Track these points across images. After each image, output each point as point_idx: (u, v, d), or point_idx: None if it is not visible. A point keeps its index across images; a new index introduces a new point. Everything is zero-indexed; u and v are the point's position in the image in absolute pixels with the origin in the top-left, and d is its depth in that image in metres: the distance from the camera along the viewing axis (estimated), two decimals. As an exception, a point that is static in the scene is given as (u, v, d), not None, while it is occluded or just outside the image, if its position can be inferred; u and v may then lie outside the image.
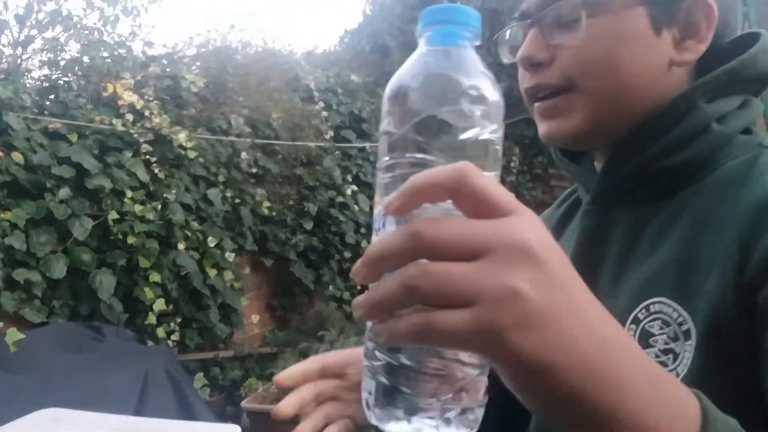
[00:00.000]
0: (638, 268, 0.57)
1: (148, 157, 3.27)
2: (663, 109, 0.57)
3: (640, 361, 0.34)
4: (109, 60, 3.38)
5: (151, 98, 3.39)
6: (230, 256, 3.65)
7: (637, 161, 0.59)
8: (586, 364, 0.31)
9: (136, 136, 3.23)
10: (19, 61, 3.25)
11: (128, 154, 3.20)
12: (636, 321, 0.54)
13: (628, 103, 0.58)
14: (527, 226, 0.32)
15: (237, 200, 3.85)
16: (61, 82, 3.29)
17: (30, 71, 3.32)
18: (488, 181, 0.32)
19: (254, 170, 4.07)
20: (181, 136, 3.37)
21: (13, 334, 2.45)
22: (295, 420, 0.64)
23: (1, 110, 2.71)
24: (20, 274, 2.63)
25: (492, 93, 0.40)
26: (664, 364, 0.51)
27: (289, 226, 4.33)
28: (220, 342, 3.72)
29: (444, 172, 0.32)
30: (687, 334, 0.50)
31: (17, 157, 2.72)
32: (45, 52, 3.33)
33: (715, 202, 0.54)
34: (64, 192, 2.86)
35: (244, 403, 3.31)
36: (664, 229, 0.57)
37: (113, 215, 3.03)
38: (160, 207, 3.28)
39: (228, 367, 3.67)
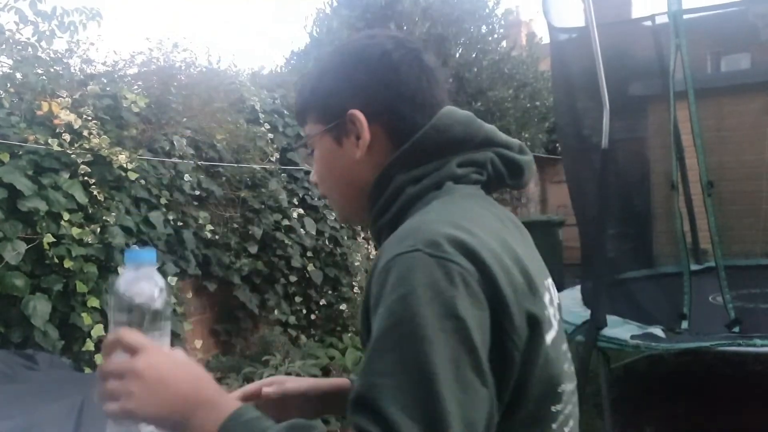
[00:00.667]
0: None
1: (86, 178, 3.18)
2: (372, 187, 0.80)
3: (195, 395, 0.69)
4: (44, 77, 3.29)
5: (90, 118, 3.31)
6: (172, 280, 3.58)
7: (372, 224, 0.83)
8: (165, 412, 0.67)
9: (73, 156, 3.14)
10: (-53, 78, 3.12)
11: (65, 175, 3.11)
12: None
13: (351, 193, 0.84)
14: (142, 358, 0.67)
15: (179, 223, 3.79)
16: (-7, 99, 3.17)
17: (-42, 87, 3.19)
18: (131, 335, 0.68)
19: (197, 192, 4.02)
20: (122, 158, 3.30)
21: (-62, 365, 2.32)
22: None
23: (-72, 129, 2.60)
24: (-54, 301, 2.51)
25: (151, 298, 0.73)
26: None
27: (233, 249, 4.28)
28: (161, 368, 3.62)
29: (112, 335, 0.69)
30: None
31: (-55, 177, 2.61)
32: (-25, 68, 3.21)
33: None
34: (-4, 214, 2.76)
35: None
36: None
37: (49, 238, 2.92)
38: (99, 230, 3.19)
39: (169, 394, 3.56)
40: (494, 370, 0.60)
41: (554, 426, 0.68)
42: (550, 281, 0.80)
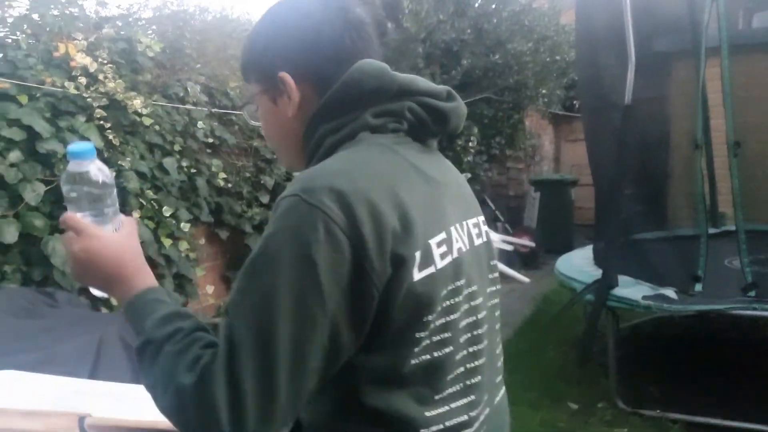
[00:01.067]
0: None
1: (102, 122, 3.18)
2: (302, 138, 0.87)
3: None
4: (60, 18, 3.25)
5: (105, 61, 3.29)
6: (185, 226, 3.62)
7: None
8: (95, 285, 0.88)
9: (89, 100, 3.14)
10: (-37, 16, 3.09)
11: (81, 118, 3.11)
12: None
13: (290, 145, 0.91)
14: (77, 242, 0.83)
15: (193, 170, 3.80)
16: (9, 40, 3.15)
17: (-25, 28, 3.16)
18: (74, 220, 0.83)
19: (210, 140, 4.01)
20: (137, 102, 3.29)
21: (-37, 299, 2.39)
22: None
23: (-55, 67, 2.59)
24: (-32, 239, 2.56)
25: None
26: None
27: (245, 198, 4.30)
28: (175, 311, 3.71)
29: (63, 216, 0.85)
30: None
31: (-37, 117, 2.62)
32: (-9, 7, 3.17)
33: None
34: (15, 155, 2.78)
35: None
36: None
37: (66, 180, 2.95)
38: (114, 174, 3.21)
39: (183, 336, 3.66)
40: (353, 302, 0.69)
41: (416, 350, 0.74)
42: (469, 221, 0.88)
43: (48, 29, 3.18)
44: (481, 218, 0.95)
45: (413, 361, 0.74)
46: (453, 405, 0.78)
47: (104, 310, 3.12)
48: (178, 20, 4.14)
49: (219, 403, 0.65)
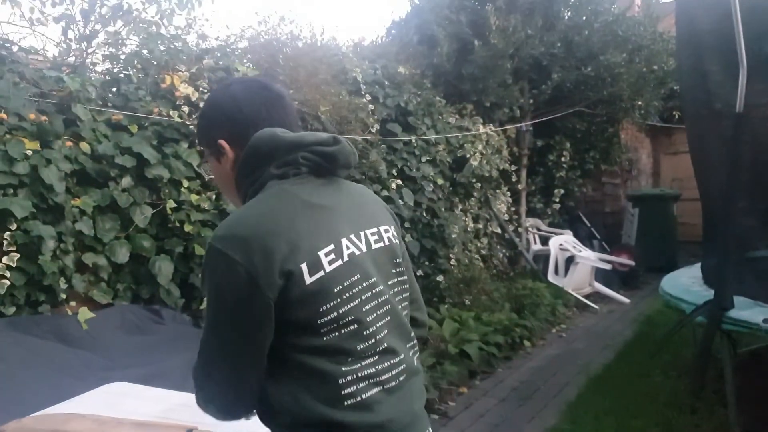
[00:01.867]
0: None
1: (202, 148, 3.36)
2: (238, 190, 1.17)
3: None
4: (165, 53, 3.49)
5: (205, 90, 3.49)
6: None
7: None
8: None
9: (191, 127, 3.33)
10: (84, 55, 3.39)
11: (184, 144, 3.31)
12: None
13: (231, 192, 1.19)
14: None
15: (288, 191, 3.91)
16: (122, 75, 3.41)
17: (94, 65, 3.46)
18: None
19: (304, 162, 4.12)
20: (235, 128, 3.45)
21: (84, 313, 2.58)
22: None
23: (70, 102, 2.84)
24: (89, 258, 2.77)
25: None
26: None
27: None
28: (271, 329, 3.80)
29: None
30: None
31: (85, 147, 2.85)
32: (107, 46, 3.46)
33: None
34: (126, 181, 2.99)
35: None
36: None
37: (171, 204, 3.14)
38: (214, 197, 3.37)
39: (278, 354, 3.74)
40: (254, 308, 0.99)
41: (323, 330, 1.02)
42: (367, 231, 1.14)
43: (156, 63, 3.41)
44: (384, 227, 1.19)
45: (325, 338, 1.03)
46: (363, 363, 1.06)
47: (205, 327, 3.25)
48: (272, 48, 4.33)
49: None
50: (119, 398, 1.84)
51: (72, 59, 3.34)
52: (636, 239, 8.13)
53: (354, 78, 4.96)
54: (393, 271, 1.17)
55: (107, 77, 3.38)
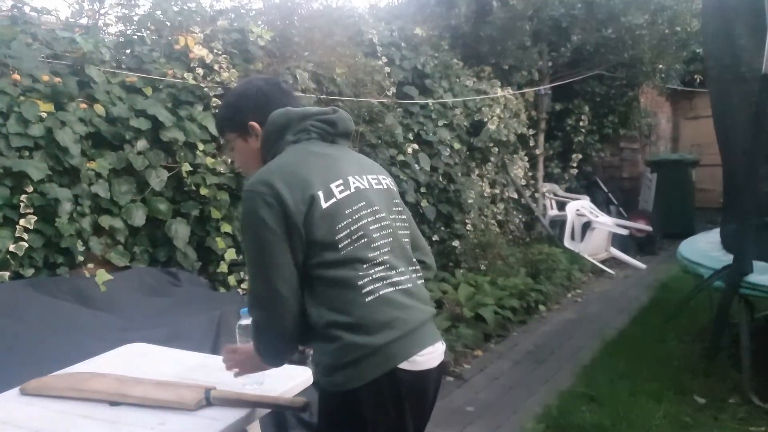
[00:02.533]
0: None
1: (217, 110, 3.33)
2: (264, 163, 1.41)
3: None
4: (179, 14, 3.43)
5: (220, 52, 3.44)
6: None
7: None
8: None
9: (206, 89, 3.30)
10: (97, 16, 3.34)
11: (199, 107, 3.28)
12: None
13: (256, 167, 1.40)
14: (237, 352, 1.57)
15: (303, 154, 3.89)
16: (136, 36, 3.37)
17: (107, 26, 3.42)
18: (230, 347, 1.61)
19: (319, 126, 4.08)
20: (249, 90, 3.41)
21: (102, 275, 2.61)
22: None
23: (83, 63, 2.82)
24: (105, 221, 2.78)
25: None
26: None
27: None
28: (286, 292, 3.83)
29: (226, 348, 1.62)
30: None
31: (99, 109, 2.84)
32: (120, 7, 3.41)
33: None
34: (142, 144, 2.98)
35: (308, 349, 3.43)
36: None
37: (186, 167, 3.13)
38: (230, 160, 3.36)
39: (294, 317, 3.78)
40: (290, 230, 1.25)
41: (340, 246, 1.28)
42: (368, 176, 1.42)
43: (169, 24, 3.37)
44: (382, 176, 1.46)
45: (342, 252, 1.28)
46: (375, 269, 1.30)
47: (222, 290, 3.29)
48: (287, 9, 4.24)
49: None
50: (138, 359, 1.87)
51: (85, 20, 3.29)
52: (653, 205, 8.02)
53: (370, 40, 4.87)
54: (393, 208, 1.43)
55: (121, 39, 3.34)
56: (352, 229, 1.29)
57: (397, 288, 1.31)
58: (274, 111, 1.41)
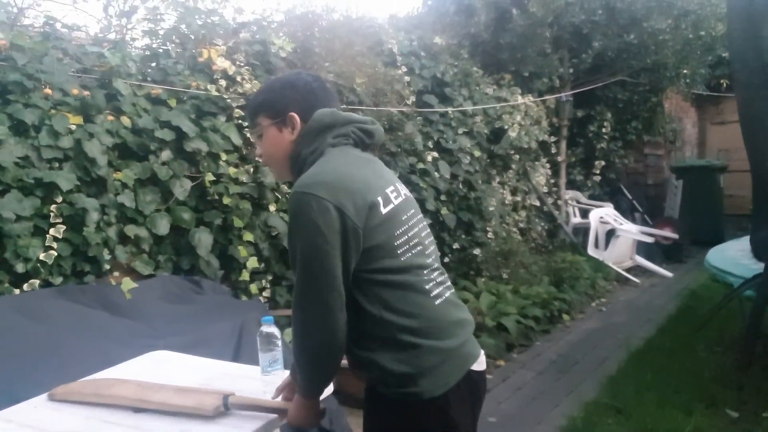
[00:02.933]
0: None
1: (240, 121, 3.38)
2: (293, 155, 1.40)
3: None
4: (203, 28, 3.49)
5: (242, 64, 3.49)
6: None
7: (294, 176, 1.40)
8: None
9: (229, 101, 3.35)
10: (124, 31, 3.43)
11: (222, 118, 3.33)
12: None
13: (284, 161, 1.42)
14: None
15: (325, 164, 3.92)
16: (161, 50, 3.44)
17: (134, 40, 3.49)
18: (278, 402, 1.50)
19: (340, 135, 4.11)
20: (271, 101, 3.45)
21: (128, 283, 2.65)
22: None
23: (111, 77, 2.88)
24: (131, 230, 2.83)
25: None
26: None
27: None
28: (308, 300, 3.85)
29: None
30: None
31: (125, 121, 2.90)
32: (146, 21, 3.49)
33: None
34: (166, 154, 3.03)
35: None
36: None
37: (209, 177, 3.18)
38: (252, 170, 3.40)
39: (315, 325, 3.79)
40: (351, 236, 1.22)
41: (399, 252, 1.28)
42: (395, 185, 1.39)
43: (193, 37, 3.43)
44: (400, 187, 1.43)
45: (402, 258, 1.28)
46: (434, 274, 1.34)
47: (244, 298, 3.31)
48: (308, 21, 4.29)
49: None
50: (162, 366, 1.89)
51: (112, 35, 3.38)
52: (680, 212, 7.89)
53: (390, 49, 4.89)
54: (419, 215, 1.46)
55: (146, 52, 3.41)
56: (409, 235, 1.31)
57: (451, 291, 1.38)
58: (321, 109, 1.39)
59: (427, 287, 1.29)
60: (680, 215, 7.82)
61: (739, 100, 4.02)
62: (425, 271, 1.31)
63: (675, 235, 7.16)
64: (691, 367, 3.62)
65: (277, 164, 1.44)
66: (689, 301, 5.29)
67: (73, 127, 2.66)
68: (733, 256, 3.80)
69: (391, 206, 1.29)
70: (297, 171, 1.37)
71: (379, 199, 1.27)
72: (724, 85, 8.84)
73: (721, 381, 3.37)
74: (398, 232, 1.29)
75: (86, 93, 2.76)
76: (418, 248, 1.32)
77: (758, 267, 3.19)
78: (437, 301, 1.30)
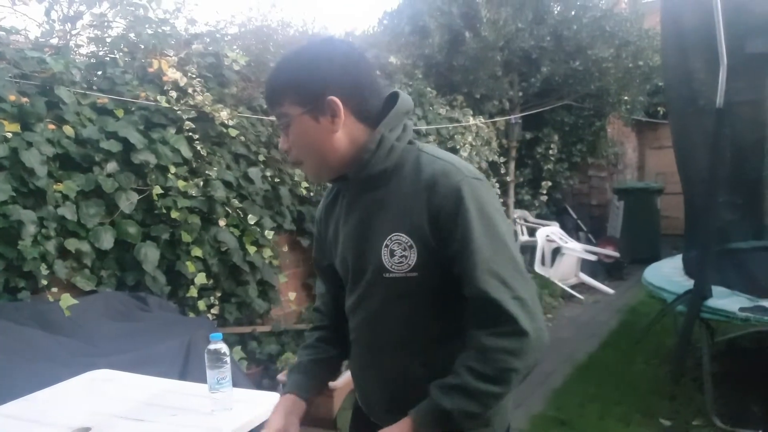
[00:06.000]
0: (380, 219, 1.11)
1: (190, 134, 3.33)
2: (365, 144, 1.10)
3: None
4: (153, 37, 3.43)
5: (194, 75, 3.45)
6: (269, 234, 3.71)
7: (363, 171, 1.11)
8: None
9: (179, 112, 3.29)
10: (68, 37, 3.32)
11: (172, 130, 3.27)
12: (386, 245, 1.08)
13: (325, 157, 1.11)
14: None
15: (276, 180, 3.91)
16: (108, 58, 3.36)
17: (79, 47, 3.40)
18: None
19: (292, 150, 4.10)
20: (223, 114, 3.43)
21: (67, 300, 2.54)
22: (330, 393, 1.76)
23: (53, 84, 2.79)
24: (71, 244, 2.72)
25: None
26: (403, 260, 1.07)
27: (324, 206, 4.36)
28: (258, 317, 3.80)
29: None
30: (411, 248, 1.06)
31: (68, 130, 2.80)
32: (92, 28, 3.39)
33: (407, 184, 1.09)
34: (112, 166, 2.95)
35: (280, 377, 3.39)
36: (387, 200, 1.11)
37: (157, 190, 3.10)
38: (202, 183, 3.35)
39: (265, 342, 3.74)
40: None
41: None
42: None
43: (143, 47, 3.36)
44: None
45: None
46: None
47: (191, 315, 3.24)
48: (262, 35, 4.29)
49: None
50: (104, 385, 1.83)
51: (55, 40, 3.27)
52: (621, 231, 8.20)
53: (343, 67, 4.92)
54: None
55: (92, 60, 3.32)
56: None
57: None
58: (398, 90, 1.14)
59: None
60: (621, 234, 8.13)
61: (672, 127, 4.25)
62: None
63: (616, 254, 7.43)
64: (630, 379, 3.77)
65: (317, 161, 1.13)
66: (629, 317, 5.49)
67: (9, 135, 2.54)
68: (667, 274, 3.97)
69: None
70: (378, 161, 1.10)
71: None
72: (661, 112, 9.29)
73: (656, 392, 3.53)
74: None
75: (24, 100, 2.65)
76: None
77: (689, 284, 3.35)
78: None
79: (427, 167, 1.07)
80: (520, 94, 7.10)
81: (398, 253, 1.06)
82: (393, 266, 1.07)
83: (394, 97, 1.14)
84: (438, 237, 1.04)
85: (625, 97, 7.58)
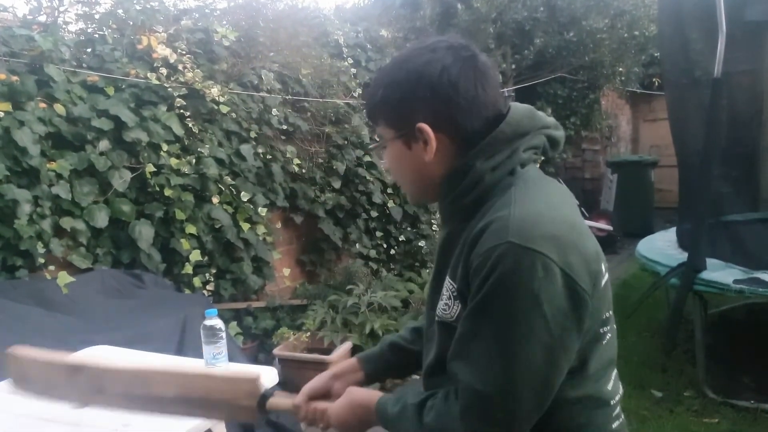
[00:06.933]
0: (446, 257, 0.97)
1: (182, 111, 3.31)
2: (451, 174, 0.94)
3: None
4: (141, 13, 3.38)
5: (184, 52, 3.41)
6: (263, 211, 3.72)
7: (447, 202, 0.97)
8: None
9: (170, 90, 3.27)
10: (56, 14, 3.27)
11: (163, 107, 3.25)
12: (446, 286, 0.94)
13: (421, 184, 0.99)
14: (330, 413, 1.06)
15: (268, 156, 3.90)
16: (97, 35, 3.32)
17: (67, 24, 3.35)
18: (318, 404, 1.10)
19: (284, 127, 4.09)
20: (214, 91, 3.40)
21: (64, 278, 2.56)
22: (322, 367, 1.15)
23: (42, 62, 2.76)
24: (67, 223, 2.73)
25: None
26: (447, 308, 0.94)
27: (318, 184, 4.37)
28: (253, 293, 3.83)
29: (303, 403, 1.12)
30: (455, 297, 0.91)
31: (59, 109, 2.78)
32: (80, 4, 3.34)
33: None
34: (104, 144, 2.93)
35: (276, 351, 3.43)
36: (459, 238, 0.93)
37: (150, 168, 3.10)
38: (194, 161, 3.34)
39: (260, 317, 3.78)
40: (582, 314, 0.83)
41: (603, 342, 0.92)
42: None
43: (131, 23, 3.32)
44: None
45: (603, 343, 0.91)
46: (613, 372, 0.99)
47: (187, 291, 3.26)
48: (252, 10, 4.23)
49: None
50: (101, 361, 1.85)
51: (43, 18, 3.22)
52: (614, 205, 8.23)
53: (336, 41, 4.88)
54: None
55: (81, 37, 3.28)
56: (612, 316, 0.95)
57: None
58: (516, 106, 0.95)
59: (609, 388, 0.95)
60: (615, 208, 8.16)
61: (668, 99, 4.23)
62: (610, 366, 0.96)
63: (610, 227, 7.47)
64: (623, 352, 3.74)
65: (412, 187, 1.03)
66: (621, 290, 5.54)
67: (1, 114, 2.53)
68: (660, 247, 4.00)
69: (606, 276, 0.91)
70: (461, 194, 0.94)
71: (603, 265, 0.89)
72: (656, 83, 9.24)
73: (648, 364, 3.58)
74: (606, 316, 0.92)
75: (14, 78, 2.63)
76: (611, 335, 0.95)
77: (683, 257, 3.38)
78: (614, 414, 0.97)
79: (492, 212, 0.87)
80: (513, 67, 7.06)
81: (445, 298, 0.94)
82: (440, 311, 0.95)
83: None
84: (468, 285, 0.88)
85: (620, 69, 7.53)
